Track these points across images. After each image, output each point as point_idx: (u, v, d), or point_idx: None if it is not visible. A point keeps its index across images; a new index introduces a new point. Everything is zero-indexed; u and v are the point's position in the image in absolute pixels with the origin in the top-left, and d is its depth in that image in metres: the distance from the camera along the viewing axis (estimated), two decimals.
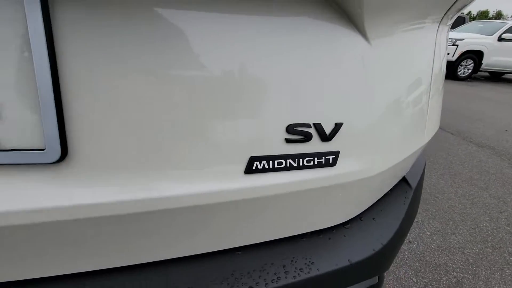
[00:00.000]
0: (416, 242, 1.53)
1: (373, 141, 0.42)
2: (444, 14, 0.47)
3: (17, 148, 0.28)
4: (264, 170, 0.37)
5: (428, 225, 1.68)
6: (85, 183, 0.31)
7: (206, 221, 0.37)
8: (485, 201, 2.00)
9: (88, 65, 0.28)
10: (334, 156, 0.39)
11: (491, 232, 1.68)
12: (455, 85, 7.16)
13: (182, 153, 0.33)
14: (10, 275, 0.33)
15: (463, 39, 7.47)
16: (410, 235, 1.57)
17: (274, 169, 0.37)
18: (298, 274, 0.39)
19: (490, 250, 1.53)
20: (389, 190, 0.53)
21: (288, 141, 0.37)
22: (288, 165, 0.37)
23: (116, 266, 0.36)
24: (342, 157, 0.40)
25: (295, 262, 0.41)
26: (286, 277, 0.39)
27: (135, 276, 0.37)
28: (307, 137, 0.37)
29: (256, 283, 0.38)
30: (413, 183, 0.55)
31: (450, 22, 0.56)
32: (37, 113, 0.27)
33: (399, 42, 0.40)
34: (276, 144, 0.36)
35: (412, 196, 0.52)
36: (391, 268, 1.34)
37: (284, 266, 0.40)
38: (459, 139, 3.21)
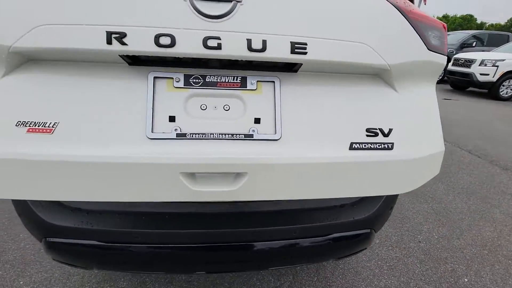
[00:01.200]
0: (424, 242, 2.01)
1: (411, 140, 0.85)
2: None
3: (267, 133, 0.79)
4: (357, 149, 0.81)
5: (437, 231, 2.14)
6: (287, 148, 0.79)
7: (330, 173, 0.81)
8: (494, 216, 2.38)
9: (287, 106, 0.80)
10: (391, 144, 0.83)
11: (491, 239, 2.09)
12: (495, 105, 7.10)
13: (325, 141, 0.80)
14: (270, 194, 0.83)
15: (504, 59, 7.45)
16: (420, 237, 2.06)
17: (362, 149, 0.81)
18: (345, 215, 0.97)
19: (487, 252, 1.95)
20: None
21: (367, 135, 0.81)
22: (368, 147, 0.82)
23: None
24: (395, 146, 0.83)
25: (346, 211, 0.99)
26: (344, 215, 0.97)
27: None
28: (376, 134, 0.82)
29: (339, 208, 0.97)
30: None
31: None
32: (274, 124, 0.79)
33: (414, 91, 0.88)
34: (361, 137, 0.82)
35: (386, 196, 1.11)
36: (400, 256, 1.85)
37: (345, 207, 1.00)
38: (484, 162, 3.50)
